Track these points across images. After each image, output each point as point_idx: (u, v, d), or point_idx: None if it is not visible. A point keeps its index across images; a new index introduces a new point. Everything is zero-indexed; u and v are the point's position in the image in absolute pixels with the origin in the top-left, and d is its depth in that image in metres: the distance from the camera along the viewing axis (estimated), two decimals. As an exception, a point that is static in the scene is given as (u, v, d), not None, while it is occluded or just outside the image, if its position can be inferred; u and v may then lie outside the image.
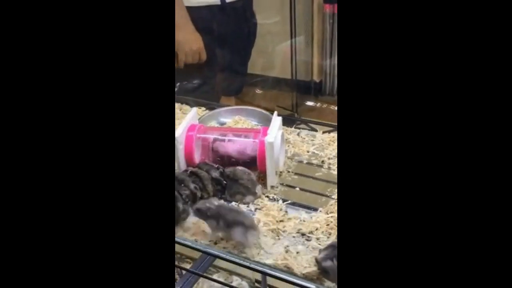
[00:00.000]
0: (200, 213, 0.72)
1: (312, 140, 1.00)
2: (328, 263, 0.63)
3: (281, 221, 0.76)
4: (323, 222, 0.75)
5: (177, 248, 0.75)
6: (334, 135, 0.99)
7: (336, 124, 1.00)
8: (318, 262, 0.64)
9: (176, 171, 0.85)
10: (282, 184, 0.86)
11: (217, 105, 1.19)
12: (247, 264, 0.68)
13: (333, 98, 2.67)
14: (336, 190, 0.82)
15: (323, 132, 1.02)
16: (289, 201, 0.81)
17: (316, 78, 2.75)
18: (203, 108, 1.15)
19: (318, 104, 2.65)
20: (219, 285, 1.17)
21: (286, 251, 0.69)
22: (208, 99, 1.27)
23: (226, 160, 0.87)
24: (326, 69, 2.71)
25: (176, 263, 1.23)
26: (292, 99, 2.52)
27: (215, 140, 0.88)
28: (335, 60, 2.59)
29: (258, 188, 0.82)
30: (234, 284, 1.19)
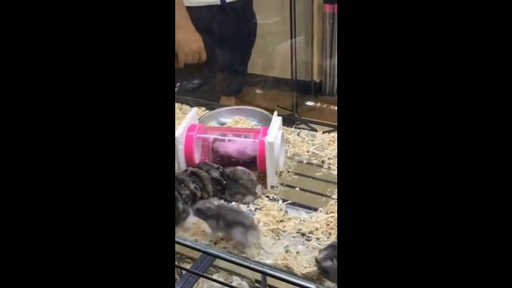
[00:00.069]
0: (200, 213, 0.72)
1: (312, 140, 1.00)
2: (328, 263, 0.63)
3: (281, 221, 0.76)
4: (323, 222, 0.75)
5: (177, 248, 0.75)
6: (334, 135, 0.99)
7: (336, 124, 1.00)
8: (318, 262, 0.64)
9: (176, 171, 0.85)
10: (282, 184, 0.86)
11: (217, 105, 1.19)
12: (247, 264, 0.68)
13: (333, 98, 2.67)
14: (336, 190, 0.82)
15: (323, 132, 1.02)
16: (289, 201, 0.81)
17: (316, 78, 2.75)
18: (203, 108, 1.15)
19: (318, 104, 2.65)
20: (219, 285, 1.17)
21: (286, 251, 0.69)
22: (208, 99, 1.27)
23: (226, 160, 0.87)
24: (326, 69, 2.71)
25: (176, 263, 1.23)
26: (292, 99, 2.52)
27: (215, 140, 0.88)
28: (335, 60, 2.59)
29: (258, 188, 0.82)
30: (234, 284, 1.19)
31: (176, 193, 0.75)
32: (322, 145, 0.98)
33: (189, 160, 0.87)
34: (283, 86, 2.55)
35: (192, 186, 0.78)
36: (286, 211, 0.78)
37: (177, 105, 1.18)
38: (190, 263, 1.25)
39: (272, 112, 0.93)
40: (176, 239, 0.73)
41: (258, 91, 2.50)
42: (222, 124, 1.08)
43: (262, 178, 0.85)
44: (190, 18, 1.34)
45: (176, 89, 1.36)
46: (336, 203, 0.78)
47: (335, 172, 0.88)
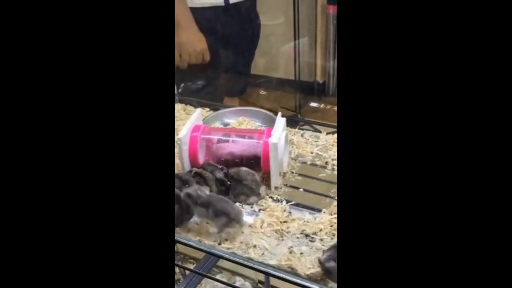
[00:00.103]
0: (190, 199, 0.73)
1: (316, 141, 1.00)
2: (331, 264, 0.63)
3: (285, 222, 0.76)
4: (326, 223, 0.75)
5: (181, 248, 0.75)
6: (338, 136, 0.99)
7: (339, 125, 1.00)
8: (321, 263, 0.64)
9: (180, 171, 0.85)
10: (286, 185, 0.86)
11: (221, 106, 1.19)
12: (251, 264, 0.68)
13: (336, 99, 2.66)
14: (339, 191, 0.82)
15: (327, 133, 1.02)
16: (293, 202, 0.81)
17: (319, 79, 2.75)
18: (207, 109, 1.16)
19: (322, 105, 2.65)
20: (223, 285, 1.17)
21: (290, 252, 0.69)
22: (212, 100, 1.27)
23: (230, 161, 0.87)
24: (330, 70, 2.71)
25: (180, 263, 1.24)
26: (296, 100, 2.52)
27: (219, 141, 0.88)
28: (338, 61, 2.58)
29: (262, 189, 0.82)
30: (237, 284, 1.20)
31: (179, 193, 0.75)
32: (326, 146, 0.98)
33: (193, 161, 0.87)
34: (287, 87, 2.55)
35: (196, 187, 0.78)
36: (290, 212, 0.79)
37: (181, 106, 1.19)
38: (193, 263, 1.26)
39: (275, 113, 0.93)
40: (180, 240, 0.73)
41: (262, 92, 2.50)
42: (226, 125, 1.08)
43: (266, 179, 0.85)
44: (194, 19, 1.34)
45: (180, 90, 1.36)
46: (339, 204, 0.78)
47: (339, 173, 0.88)
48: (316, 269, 0.65)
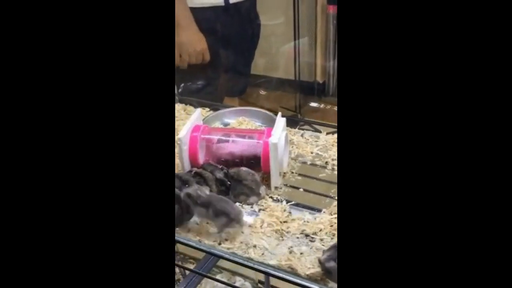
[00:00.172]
0: (190, 199, 0.73)
1: (316, 141, 1.00)
2: (331, 264, 0.63)
3: (285, 222, 0.76)
4: (327, 223, 0.75)
5: (181, 248, 0.75)
6: (338, 136, 0.99)
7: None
8: (321, 263, 0.64)
9: (180, 171, 0.85)
10: (286, 185, 0.86)
11: (221, 106, 1.19)
12: (251, 264, 0.68)
13: (336, 99, 2.66)
14: (340, 191, 0.82)
15: (327, 133, 1.02)
16: (293, 202, 0.81)
17: (319, 79, 2.75)
18: (207, 109, 1.16)
19: (322, 105, 2.65)
20: (223, 285, 1.17)
21: (290, 252, 0.69)
22: (212, 100, 1.27)
23: (230, 161, 0.87)
24: (330, 70, 2.71)
25: (180, 263, 1.24)
26: (296, 100, 2.52)
27: (219, 141, 0.88)
28: (338, 61, 2.58)
29: (262, 189, 0.82)
30: (237, 284, 1.20)
31: (179, 193, 0.75)
32: (326, 146, 0.98)
33: (193, 161, 0.87)
34: (287, 87, 2.55)
35: (196, 187, 0.78)
36: (290, 212, 0.79)
37: (181, 106, 1.19)
38: (193, 263, 1.26)
39: (275, 113, 0.93)
40: (180, 240, 0.73)
41: (262, 92, 2.50)
42: (226, 125, 1.08)
43: (266, 179, 0.85)
44: (194, 19, 1.34)
45: (180, 90, 1.36)
46: (340, 204, 0.78)
47: (339, 173, 0.88)
48: (316, 269, 0.65)
